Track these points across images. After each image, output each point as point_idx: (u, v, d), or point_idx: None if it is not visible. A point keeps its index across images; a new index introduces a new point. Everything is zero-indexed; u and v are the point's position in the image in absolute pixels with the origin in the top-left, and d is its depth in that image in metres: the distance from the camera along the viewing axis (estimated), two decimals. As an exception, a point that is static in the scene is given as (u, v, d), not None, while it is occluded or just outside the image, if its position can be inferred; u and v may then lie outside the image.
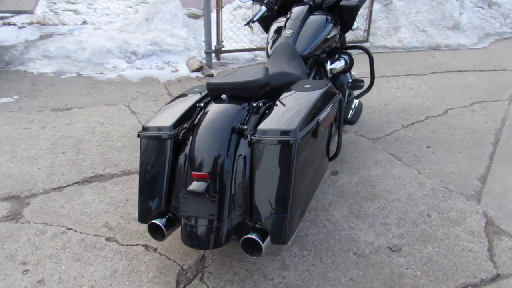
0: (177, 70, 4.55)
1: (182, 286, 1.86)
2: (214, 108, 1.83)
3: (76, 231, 2.15)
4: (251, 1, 2.74)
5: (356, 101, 2.98)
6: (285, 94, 1.91)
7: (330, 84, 2.02)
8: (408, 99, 4.02)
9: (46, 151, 2.85)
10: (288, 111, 1.76)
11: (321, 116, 1.79)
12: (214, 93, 1.92)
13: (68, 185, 2.51)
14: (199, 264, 1.98)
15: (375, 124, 3.46)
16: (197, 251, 2.02)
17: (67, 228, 2.17)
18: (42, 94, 3.80)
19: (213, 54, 4.60)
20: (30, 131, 3.12)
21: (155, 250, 2.04)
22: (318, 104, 1.83)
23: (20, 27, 5.47)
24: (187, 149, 1.80)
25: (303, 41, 2.50)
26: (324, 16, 2.65)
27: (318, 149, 1.87)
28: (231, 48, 4.88)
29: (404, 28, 5.92)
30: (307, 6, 2.69)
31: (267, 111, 1.82)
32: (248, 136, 1.70)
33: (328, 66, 2.66)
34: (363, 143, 3.14)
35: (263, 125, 1.70)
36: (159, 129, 1.83)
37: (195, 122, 1.84)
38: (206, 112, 1.82)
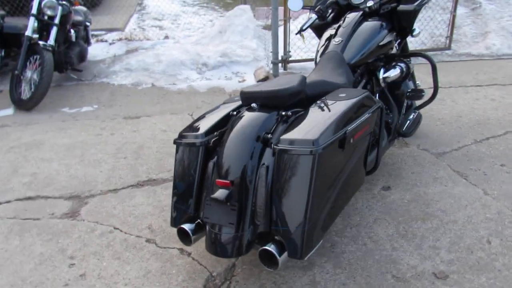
0: (244, 80, 4.65)
1: (208, 292, 1.88)
2: (243, 117, 1.83)
3: (121, 231, 2.29)
4: (303, 9, 2.70)
5: (415, 112, 2.78)
6: (317, 103, 1.85)
7: (366, 93, 1.91)
8: (486, 112, 3.64)
9: (110, 156, 3.08)
10: (314, 120, 1.70)
11: (351, 127, 1.70)
12: (246, 101, 1.92)
13: (123, 188, 2.68)
14: (229, 271, 1.98)
15: (443, 137, 3.19)
16: (229, 259, 2.03)
17: (114, 228, 2.31)
18: (118, 104, 4.13)
19: (280, 64, 4.62)
20: (101, 137, 3.41)
21: (189, 254, 2.09)
22: (349, 114, 1.74)
23: (110, 43, 6.04)
24: (216, 156, 1.83)
25: (352, 49, 2.40)
26: (378, 23, 2.52)
27: (348, 161, 1.77)
28: (299, 58, 4.86)
29: (493, 34, 5.39)
30: (361, 13, 2.58)
31: (295, 121, 1.77)
32: (272, 145, 1.68)
33: (381, 74, 2.52)
34: (425, 157, 2.90)
35: (286, 135, 1.66)
36: (192, 136, 1.88)
37: (226, 130, 1.87)
38: (236, 121, 1.84)
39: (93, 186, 2.72)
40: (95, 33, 6.38)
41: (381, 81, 2.52)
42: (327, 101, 1.85)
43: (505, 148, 3.01)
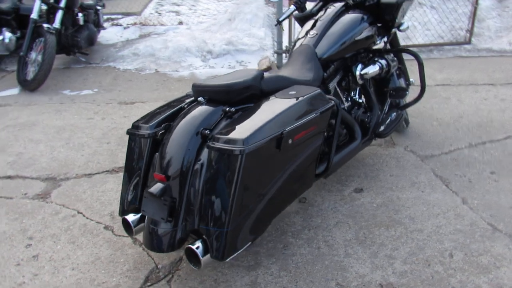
0: (247, 70, 4.59)
1: (149, 284, 1.88)
2: (188, 111, 1.79)
3: (84, 215, 2.33)
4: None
5: (397, 112, 2.63)
6: (263, 100, 1.79)
7: (317, 91, 1.82)
8: (491, 113, 3.41)
9: (94, 140, 3.13)
10: (252, 118, 1.64)
11: (290, 127, 1.62)
12: (197, 95, 1.88)
13: (98, 173, 2.72)
14: (174, 265, 1.97)
15: (435, 139, 3.02)
16: (178, 252, 2.02)
17: (78, 212, 2.35)
18: (117, 88, 4.18)
19: (284, 54, 4.52)
20: (91, 121, 3.47)
21: (140, 244, 2.10)
22: (291, 113, 1.67)
23: (125, 28, 6.10)
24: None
25: (325, 43, 2.30)
26: (357, 15, 2.39)
27: (289, 163, 1.69)
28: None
29: (520, 29, 5.03)
30: (342, 4, 2.46)
31: (237, 118, 1.72)
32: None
33: (358, 70, 2.39)
34: (409, 160, 2.76)
35: (220, 132, 1.61)
36: (142, 127, 1.86)
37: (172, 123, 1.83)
38: (182, 115, 1.80)
39: (70, 169, 2.77)
40: (112, 16, 6.47)
41: (357, 77, 2.40)
42: (274, 98, 1.78)
43: (501, 154, 2.82)
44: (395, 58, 2.57)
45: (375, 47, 2.66)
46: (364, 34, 2.36)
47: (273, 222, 2.17)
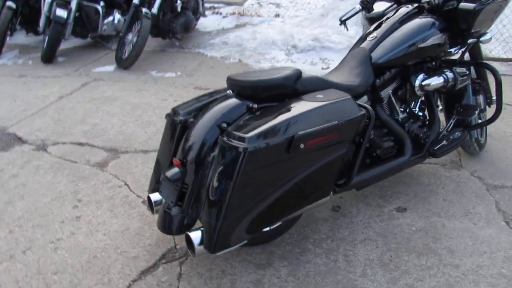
0: (328, 68, 4.47)
1: (163, 261, 1.98)
2: (217, 103, 1.82)
3: (129, 187, 2.51)
4: None
5: (462, 132, 2.34)
6: (290, 101, 1.74)
7: (347, 98, 1.70)
8: None
9: (161, 120, 3.34)
10: (269, 117, 1.61)
11: (303, 131, 1.55)
12: (230, 87, 1.90)
13: (154, 151, 2.90)
14: (190, 249, 2.04)
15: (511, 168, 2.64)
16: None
17: (125, 184, 2.55)
18: (198, 74, 4.39)
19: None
20: (165, 102, 3.70)
21: (167, 224, 2.20)
22: (309, 117, 1.60)
23: (224, 17, 6.35)
24: None
25: (382, 48, 2.13)
26: (427, 20, 2.18)
27: (300, 168, 1.62)
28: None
29: None
30: (413, 7, 2.26)
31: (258, 115, 1.70)
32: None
33: (418, 81, 2.18)
34: (472, 186, 2.45)
35: (232, 127, 1.62)
36: (176, 113, 1.94)
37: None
38: (210, 106, 1.84)
39: (132, 144, 3.00)
40: (215, 5, 6.77)
41: (416, 88, 2.18)
42: (300, 100, 1.71)
43: None
44: (468, 72, 2.29)
45: (453, 57, 2.40)
46: (431, 41, 2.14)
47: (297, 225, 2.14)
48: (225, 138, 1.57)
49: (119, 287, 1.85)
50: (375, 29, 2.28)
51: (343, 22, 2.45)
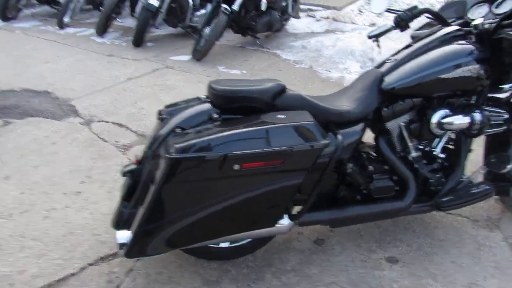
0: (401, 88, 4.07)
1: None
2: (187, 107, 1.77)
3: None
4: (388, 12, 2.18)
5: (488, 187, 1.92)
6: (249, 117, 1.61)
7: (307, 123, 1.51)
8: None
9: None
10: (213, 131, 1.51)
11: (238, 151, 1.42)
12: (208, 94, 1.83)
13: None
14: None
15: None
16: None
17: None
18: (262, 75, 4.33)
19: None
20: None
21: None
22: (252, 137, 1.46)
23: (317, 20, 6.18)
24: None
25: (397, 73, 1.85)
26: (463, 47, 1.83)
27: (236, 191, 1.49)
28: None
29: None
30: (453, 29, 1.91)
31: (214, 126, 1.61)
32: (170, 141, 1.60)
33: (437, 116, 1.83)
34: (498, 254, 2.02)
35: (177, 134, 1.56)
36: (162, 111, 1.94)
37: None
38: (182, 110, 1.79)
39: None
40: (313, 7, 6.62)
41: (433, 125, 1.84)
42: (256, 117, 1.57)
43: None
44: (507, 116, 1.86)
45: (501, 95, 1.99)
46: (457, 73, 1.79)
47: (268, 250, 2.00)
48: (163, 144, 1.52)
49: (75, 266, 1.94)
50: (402, 50, 1.99)
51: (371, 38, 2.18)
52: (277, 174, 1.51)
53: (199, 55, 4.59)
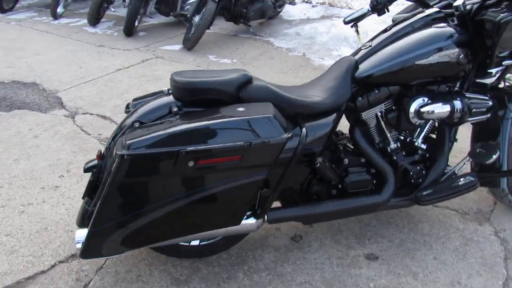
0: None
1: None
2: (149, 100, 1.69)
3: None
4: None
5: (472, 179, 1.82)
6: (201, 111, 1.53)
7: (266, 116, 1.42)
8: None
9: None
10: (169, 126, 1.43)
11: (192, 147, 1.34)
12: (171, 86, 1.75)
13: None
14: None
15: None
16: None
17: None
18: (253, 63, 4.23)
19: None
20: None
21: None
22: (207, 132, 1.37)
23: (313, 6, 6.04)
24: None
25: (372, 60, 1.75)
26: (439, 30, 1.73)
27: (193, 189, 1.41)
28: None
29: None
30: (432, 11, 1.80)
31: (171, 120, 1.53)
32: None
33: (416, 104, 1.73)
34: (486, 249, 1.92)
35: (132, 129, 1.48)
36: (127, 105, 1.85)
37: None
38: (145, 103, 1.71)
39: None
40: (314, -2, 6.46)
41: (411, 115, 1.74)
42: (217, 111, 1.48)
43: None
44: (490, 103, 1.75)
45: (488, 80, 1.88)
46: (435, 59, 1.68)
47: (242, 247, 1.93)
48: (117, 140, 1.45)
49: (45, 264, 1.89)
50: (378, 35, 1.88)
51: (347, 23, 2.07)
52: (237, 171, 1.43)
53: (189, 44, 4.49)
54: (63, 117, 3.15)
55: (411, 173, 1.81)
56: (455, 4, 1.78)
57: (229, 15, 4.94)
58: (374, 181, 1.82)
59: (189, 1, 5.10)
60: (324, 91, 1.73)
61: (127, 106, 1.80)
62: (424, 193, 1.79)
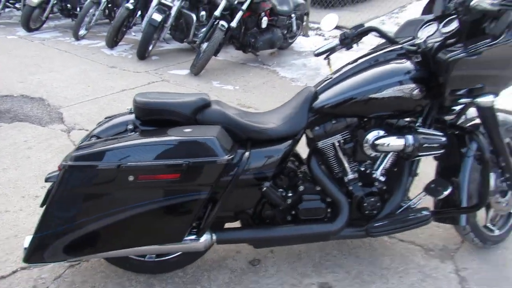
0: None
1: (60, 259, 2.03)
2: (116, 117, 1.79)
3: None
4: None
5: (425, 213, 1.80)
6: (159, 129, 1.60)
7: (208, 138, 1.48)
8: None
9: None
10: (115, 142, 1.51)
11: (132, 163, 1.40)
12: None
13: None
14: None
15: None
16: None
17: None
18: (256, 92, 4.32)
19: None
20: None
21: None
22: (150, 149, 1.44)
23: (325, 39, 6.15)
24: None
25: (329, 92, 1.80)
26: (401, 66, 1.77)
27: (133, 203, 1.47)
28: None
29: None
30: (397, 48, 1.85)
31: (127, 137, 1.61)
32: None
33: (371, 136, 1.75)
34: (445, 281, 1.87)
35: (84, 143, 1.57)
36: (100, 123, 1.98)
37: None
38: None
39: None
40: (324, 27, 6.58)
41: (366, 146, 1.77)
42: (165, 131, 1.55)
43: None
44: (443, 139, 1.75)
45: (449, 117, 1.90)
46: (389, 93, 1.71)
47: (200, 267, 1.96)
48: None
49: (7, 269, 1.96)
50: (342, 68, 1.94)
51: (317, 56, 2.14)
52: (176, 188, 1.48)
53: (195, 69, 4.65)
54: (60, 131, 3.30)
55: (365, 204, 1.82)
56: (416, 42, 1.82)
57: (238, 44, 5.09)
58: (329, 210, 1.84)
59: (203, 29, 5.32)
60: (281, 119, 1.78)
61: (99, 123, 1.90)
62: (376, 224, 1.79)
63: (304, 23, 6.05)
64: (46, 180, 1.76)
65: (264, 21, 5.00)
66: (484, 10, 1.55)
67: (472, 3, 1.54)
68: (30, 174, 2.70)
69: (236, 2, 4.66)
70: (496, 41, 1.59)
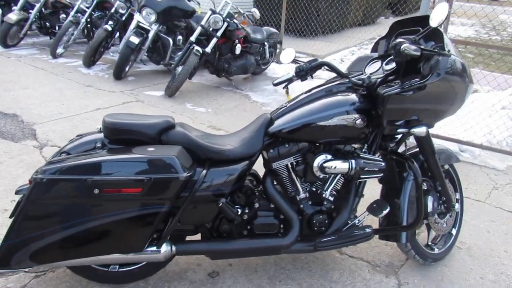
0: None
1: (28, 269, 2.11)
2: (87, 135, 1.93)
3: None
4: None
5: (370, 232, 1.99)
6: (125, 148, 1.75)
7: (169, 157, 1.64)
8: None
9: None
10: (83, 158, 1.65)
11: (97, 177, 1.55)
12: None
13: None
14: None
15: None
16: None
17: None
18: (227, 115, 4.52)
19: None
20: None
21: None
22: (114, 165, 1.59)
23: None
24: None
25: (283, 118, 1.99)
26: (345, 98, 1.97)
27: (98, 214, 1.61)
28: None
29: None
30: (346, 82, 2.06)
31: (95, 154, 1.75)
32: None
33: (319, 160, 1.95)
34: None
35: (53, 159, 1.70)
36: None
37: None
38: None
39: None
40: (298, 55, 6.90)
41: (315, 169, 1.96)
42: (130, 149, 1.71)
43: None
44: (381, 164, 1.95)
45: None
46: (335, 121, 1.92)
47: (161, 278, 2.07)
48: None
49: (-27, 279, 2.04)
50: (298, 97, 2.14)
51: (275, 85, 2.34)
52: (138, 202, 1.63)
53: (169, 91, 4.81)
54: (32, 148, 3.38)
55: (314, 221, 1.99)
56: (361, 77, 2.05)
57: (212, 68, 5.30)
58: (281, 226, 2.00)
59: (179, 53, 5.52)
60: (239, 141, 1.96)
61: (71, 140, 2.03)
62: (323, 240, 1.96)
63: (278, 51, 6.33)
64: (17, 192, 1.87)
65: (238, 48, 5.24)
66: (410, 55, 1.78)
67: (401, 47, 1.77)
68: (0, 189, 2.77)
69: (211, 29, 4.89)
70: (423, 80, 1.82)
